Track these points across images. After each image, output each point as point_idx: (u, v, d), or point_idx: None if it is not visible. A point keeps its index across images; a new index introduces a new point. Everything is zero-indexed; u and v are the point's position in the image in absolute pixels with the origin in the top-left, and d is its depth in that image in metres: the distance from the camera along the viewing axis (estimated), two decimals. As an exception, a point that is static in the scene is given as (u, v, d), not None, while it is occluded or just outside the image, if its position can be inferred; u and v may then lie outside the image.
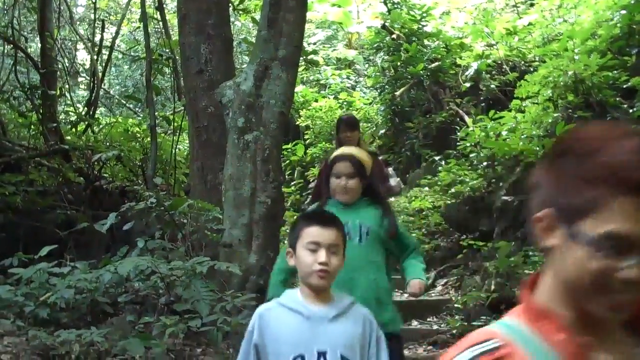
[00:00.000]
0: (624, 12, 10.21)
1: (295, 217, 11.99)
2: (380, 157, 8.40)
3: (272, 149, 7.15)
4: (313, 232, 2.99)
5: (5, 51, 14.17)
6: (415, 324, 8.46)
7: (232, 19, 11.92)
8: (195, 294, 5.74)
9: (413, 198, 12.20)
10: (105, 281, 5.91)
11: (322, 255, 2.93)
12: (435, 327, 8.39)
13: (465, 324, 7.93)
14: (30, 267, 6.18)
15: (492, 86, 13.46)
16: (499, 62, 13.76)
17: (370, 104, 17.64)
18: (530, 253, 8.31)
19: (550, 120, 9.92)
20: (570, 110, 9.85)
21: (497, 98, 13.37)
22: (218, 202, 7.40)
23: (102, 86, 16.36)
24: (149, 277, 6.21)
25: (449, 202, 11.31)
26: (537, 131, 9.97)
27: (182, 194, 10.54)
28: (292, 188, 16.08)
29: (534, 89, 10.50)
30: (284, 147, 13.29)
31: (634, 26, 10.17)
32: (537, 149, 9.63)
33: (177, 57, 11.19)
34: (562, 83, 9.99)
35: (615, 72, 9.89)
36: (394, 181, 7.75)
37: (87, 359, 4.93)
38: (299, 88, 17.65)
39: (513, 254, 8.34)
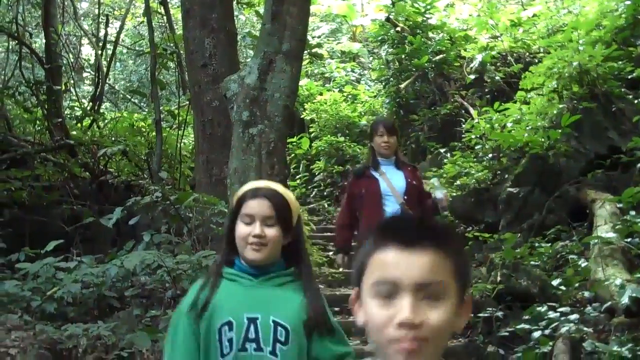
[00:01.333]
0: (628, 2, 10.19)
1: (300, 210, 12.04)
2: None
3: (277, 142, 7.15)
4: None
5: (10, 47, 14.20)
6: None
7: (235, 13, 11.91)
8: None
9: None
10: (112, 275, 5.93)
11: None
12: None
13: (472, 315, 7.94)
14: (37, 261, 6.21)
15: (497, 78, 13.44)
16: (504, 53, 13.75)
17: (375, 96, 17.63)
18: (537, 244, 8.31)
19: (555, 112, 9.90)
20: (575, 102, 9.83)
21: (502, 90, 13.36)
22: (223, 195, 7.41)
23: (107, 81, 16.40)
24: (155, 271, 6.23)
25: (454, 194, 11.29)
26: (542, 122, 9.95)
27: (187, 188, 10.56)
28: (298, 181, 16.08)
29: (538, 80, 10.48)
30: (289, 140, 13.28)
31: (639, 16, 10.14)
32: (543, 140, 9.62)
33: (182, 52, 11.21)
34: (566, 74, 9.96)
35: (620, 62, 9.87)
36: (440, 193, 6.50)
37: (94, 352, 4.94)
38: (303, 81, 17.65)
39: (519, 245, 8.32)
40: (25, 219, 9.69)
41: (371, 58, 20.33)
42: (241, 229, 2.82)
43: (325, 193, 15.63)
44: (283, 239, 2.88)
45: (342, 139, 16.31)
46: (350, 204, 6.48)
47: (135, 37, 20.52)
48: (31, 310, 5.72)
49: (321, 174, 16.10)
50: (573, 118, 9.26)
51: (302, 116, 17.72)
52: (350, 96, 18.26)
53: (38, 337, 4.95)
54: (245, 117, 7.16)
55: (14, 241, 8.10)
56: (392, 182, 6.23)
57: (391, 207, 6.15)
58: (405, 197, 6.17)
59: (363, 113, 17.29)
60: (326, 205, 14.74)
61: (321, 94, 18.13)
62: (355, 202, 6.41)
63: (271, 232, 2.82)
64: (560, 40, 11.01)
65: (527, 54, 13.63)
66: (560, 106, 9.89)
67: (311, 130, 17.45)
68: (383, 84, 16.44)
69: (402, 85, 15.07)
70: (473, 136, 11.61)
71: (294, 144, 16.82)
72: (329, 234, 12.54)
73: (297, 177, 16.45)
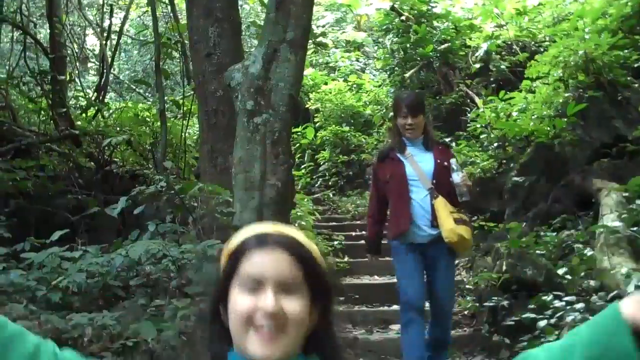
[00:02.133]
0: (635, -10, 10.14)
1: (305, 199, 12.05)
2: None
3: (281, 132, 7.13)
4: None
5: (15, 37, 14.18)
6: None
7: (240, 2, 11.90)
8: (206, 276, 5.75)
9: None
10: (117, 265, 5.92)
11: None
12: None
13: (477, 304, 7.94)
14: (42, 251, 6.19)
15: (502, 67, 13.41)
16: (509, 42, 13.71)
17: (379, 86, 17.61)
18: (542, 233, 8.30)
19: (561, 101, 9.88)
20: (581, 90, 9.80)
21: (508, 79, 13.33)
22: (228, 185, 7.39)
23: (112, 71, 16.38)
24: (160, 261, 6.23)
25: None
26: (547, 111, 9.93)
27: (192, 178, 10.55)
28: (302, 171, 16.08)
29: (544, 69, 10.45)
30: (293, 130, 13.25)
31: (645, 5, 10.10)
32: (548, 129, 9.61)
33: (186, 41, 11.18)
34: (572, 63, 9.94)
35: (626, 51, 9.84)
36: (457, 176, 5.77)
37: (100, 342, 4.95)
38: (308, 71, 17.64)
39: (524, 234, 8.32)
40: (30, 208, 9.69)
41: (376, 47, 20.27)
42: (241, 302, 1.65)
43: (330, 183, 15.64)
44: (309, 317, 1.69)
45: (346, 128, 16.31)
46: (378, 190, 6.04)
47: (139, 27, 20.46)
48: (36, 300, 5.71)
49: (326, 163, 16.11)
50: (579, 107, 9.24)
51: (306, 106, 17.71)
52: (355, 86, 18.25)
53: (43, 326, 4.94)
54: (249, 107, 7.14)
55: (19, 231, 8.09)
56: (419, 164, 5.74)
57: (418, 193, 5.71)
58: (434, 181, 5.69)
59: (368, 102, 17.27)
60: (331, 195, 14.76)
61: (326, 84, 18.13)
62: (382, 188, 5.98)
63: (292, 306, 1.64)
64: (566, 29, 10.97)
65: (533, 42, 13.59)
66: (566, 95, 9.86)
67: (316, 119, 17.45)
68: (388, 73, 16.42)
69: (407, 75, 15.05)
70: (478, 125, 11.60)
71: (299, 133, 16.82)
72: (334, 223, 12.57)
73: (302, 166, 16.45)
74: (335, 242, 10.64)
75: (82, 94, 14.67)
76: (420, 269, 5.89)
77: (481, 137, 11.68)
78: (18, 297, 5.71)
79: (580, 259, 7.20)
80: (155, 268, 6.39)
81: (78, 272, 5.76)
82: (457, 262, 9.97)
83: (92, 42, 21.62)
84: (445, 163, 5.74)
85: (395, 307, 7.92)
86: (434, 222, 5.73)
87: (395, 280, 6.36)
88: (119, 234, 9.12)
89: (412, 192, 5.73)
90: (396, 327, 7.48)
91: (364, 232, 9.96)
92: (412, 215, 5.74)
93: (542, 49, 12.32)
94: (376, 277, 9.66)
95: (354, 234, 11.60)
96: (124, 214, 8.03)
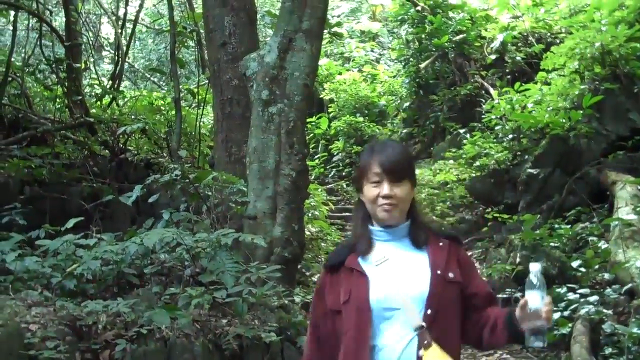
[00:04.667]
0: (652, -18, 10.07)
1: (319, 189, 12.05)
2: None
3: (296, 121, 7.13)
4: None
5: (31, 25, 14.21)
6: None
7: (255, -9, 11.87)
8: (220, 265, 5.77)
9: (438, 171, 12.16)
10: (131, 253, 5.94)
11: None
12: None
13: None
14: (57, 238, 6.22)
15: (518, 58, 13.35)
16: (525, 34, 13.64)
17: (394, 76, 17.57)
18: (556, 226, 8.28)
19: (576, 93, 9.83)
20: (597, 82, 9.75)
21: (523, 70, 13.28)
22: (242, 174, 7.41)
23: (127, 59, 16.39)
24: (174, 249, 6.25)
25: (473, 175, 11.26)
26: (563, 103, 9.89)
27: (206, 167, 10.58)
28: (316, 161, 16.07)
29: (560, 60, 10.40)
30: (308, 120, 13.25)
31: (663, -3, 10.03)
32: (564, 121, 9.56)
33: (201, 30, 11.18)
34: (588, 55, 9.89)
35: (644, 43, 9.77)
36: (537, 300, 2.52)
37: (114, 329, 4.97)
38: (323, 61, 17.60)
39: (538, 226, 8.30)
40: (45, 196, 9.73)
41: (391, 38, 20.24)
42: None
43: (343, 173, 15.63)
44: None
45: (360, 119, 16.28)
46: (318, 328, 3.08)
47: (154, 15, 20.48)
48: (51, 287, 5.74)
49: (340, 154, 16.09)
50: (594, 99, 9.19)
51: (321, 96, 17.69)
52: (369, 76, 18.20)
53: (58, 313, 4.97)
54: (264, 96, 7.15)
55: (34, 218, 8.14)
56: (401, 279, 2.89)
57: (394, 336, 2.83)
58: (428, 313, 2.84)
59: (382, 93, 17.24)
60: (345, 186, 14.74)
61: (340, 74, 18.10)
62: (327, 324, 3.03)
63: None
64: (582, 21, 10.90)
65: (549, 34, 13.52)
66: (582, 87, 9.81)
67: (330, 110, 17.41)
68: (403, 63, 16.37)
69: (422, 65, 15.01)
70: (493, 117, 11.57)
71: (313, 123, 16.79)
72: (347, 214, 12.57)
73: (316, 156, 16.43)
74: (349, 233, 10.62)
75: (97, 82, 14.69)
76: None
77: (496, 128, 11.64)
78: (33, 284, 5.74)
79: (595, 251, 7.19)
80: (170, 256, 6.41)
81: (93, 259, 5.79)
82: (470, 254, 9.97)
83: (107, 30, 21.65)
84: (452, 275, 2.91)
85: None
86: None
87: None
88: (134, 222, 9.16)
89: (381, 333, 2.86)
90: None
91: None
92: None
93: (558, 41, 12.25)
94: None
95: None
96: (139, 202, 8.06)
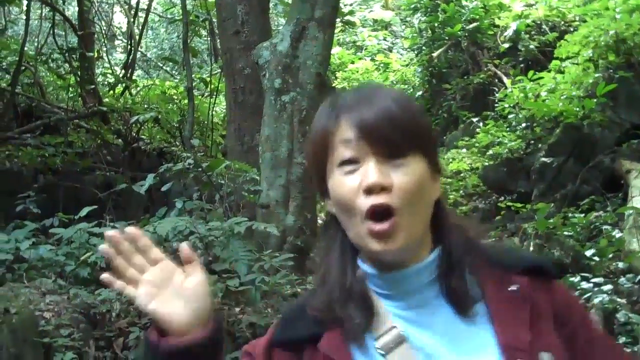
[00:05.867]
0: (668, -31, 9.99)
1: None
2: None
3: (308, 110, 7.12)
4: None
5: (44, 14, 14.24)
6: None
7: (268, -20, 11.86)
8: (233, 253, 5.78)
9: (451, 160, 12.13)
10: (145, 241, 5.95)
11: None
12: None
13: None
14: (71, 227, 6.25)
15: (531, 47, 13.27)
16: (539, 22, 13.56)
17: (407, 65, 17.50)
18: (570, 215, 8.25)
19: (590, 81, 9.77)
20: (611, 71, 9.69)
21: (537, 59, 13.20)
22: (255, 163, 7.41)
23: (139, 49, 16.41)
24: (187, 238, 6.25)
25: (486, 163, 11.22)
26: (577, 92, 9.83)
27: (219, 156, 10.60)
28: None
29: (574, 49, 10.34)
30: (320, 109, 13.16)
31: (679, -16, 9.95)
32: (577, 110, 9.51)
33: (214, 19, 11.18)
34: (602, 43, 9.82)
35: (658, 31, 9.71)
36: None
37: (128, 317, 4.99)
38: (335, 50, 17.57)
39: (552, 215, 8.27)
40: (58, 185, 9.78)
41: (403, 26, 20.16)
42: None
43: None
44: None
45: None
46: None
47: (167, 4, 20.49)
48: (65, 275, 5.77)
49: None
50: (609, 87, 9.14)
51: (333, 85, 17.66)
52: (382, 65, 18.15)
53: (72, 301, 5.00)
54: (277, 85, 7.14)
55: (48, 207, 8.18)
56: None
57: None
58: None
59: (395, 82, 17.18)
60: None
61: (353, 63, 18.06)
62: None
63: None
64: (596, 9, 10.82)
65: (562, 22, 13.43)
66: (596, 75, 9.75)
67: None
68: (415, 52, 16.31)
69: (435, 54, 14.94)
70: (506, 105, 11.52)
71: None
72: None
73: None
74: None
75: (110, 71, 14.73)
76: None
77: (509, 117, 11.59)
78: (47, 272, 5.77)
79: (609, 240, 7.15)
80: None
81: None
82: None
83: (119, 19, 21.68)
84: (547, 357, 1.36)
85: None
86: None
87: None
88: (147, 211, 9.19)
89: None
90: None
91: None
92: None
93: (571, 29, 12.18)
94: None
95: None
96: (151, 190, 8.07)
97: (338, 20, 9.40)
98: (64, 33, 13.85)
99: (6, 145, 10.09)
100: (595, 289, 6.24)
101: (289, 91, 7.13)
